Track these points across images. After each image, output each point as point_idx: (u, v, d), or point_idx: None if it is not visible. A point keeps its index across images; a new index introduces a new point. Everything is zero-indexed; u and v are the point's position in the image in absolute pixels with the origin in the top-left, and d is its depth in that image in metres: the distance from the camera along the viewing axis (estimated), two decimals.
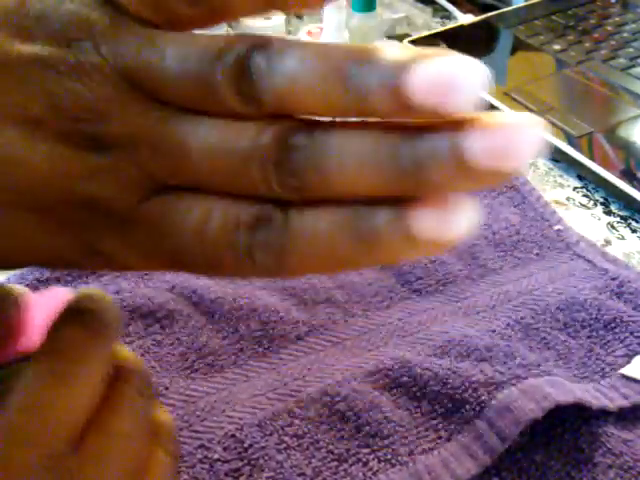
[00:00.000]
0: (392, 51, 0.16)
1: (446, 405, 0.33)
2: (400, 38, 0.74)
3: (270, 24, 0.73)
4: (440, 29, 0.75)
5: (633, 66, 0.64)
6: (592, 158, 0.51)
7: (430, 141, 0.16)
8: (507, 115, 0.16)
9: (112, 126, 0.18)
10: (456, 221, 0.17)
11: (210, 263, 0.19)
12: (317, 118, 0.18)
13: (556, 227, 0.45)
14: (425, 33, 0.74)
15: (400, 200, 0.17)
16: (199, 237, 0.18)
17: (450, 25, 0.76)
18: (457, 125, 0.16)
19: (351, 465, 0.30)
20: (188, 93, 0.18)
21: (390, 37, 0.77)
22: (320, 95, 0.17)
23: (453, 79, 0.15)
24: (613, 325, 0.37)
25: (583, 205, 0.51)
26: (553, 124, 0.56)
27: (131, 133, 0.18)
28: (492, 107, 0.61)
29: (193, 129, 0.18)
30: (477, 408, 0.32)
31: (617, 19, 0.74)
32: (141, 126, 0.18)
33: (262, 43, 0.17)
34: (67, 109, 0.18)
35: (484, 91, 0.15)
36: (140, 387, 0.23)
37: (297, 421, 0.32)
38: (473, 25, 0.75)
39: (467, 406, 0.32)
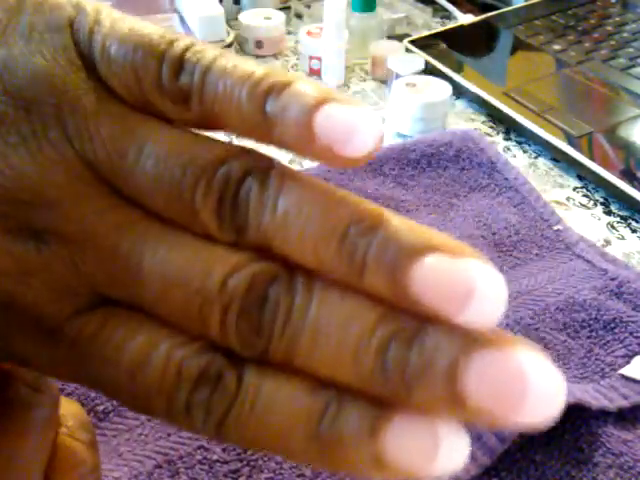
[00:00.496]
0: (402, 226, 0.14)
1: None
2: (400, 38, 0.74)
3: (270, 24, 0.73)
4: (440, 29, 0.75)
5: (633, 66, 0.64)
6: (592, 158, 0.51)
7: (425, 352, 0.13)
8: (526, 353, 0.13)
9: (57, 217, 0.15)
10: (440, 453, 0.14)
11: (139, 406, 0.16)
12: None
13: (556, 227, 0.45)
14: (425, 33, 0.74)
15: (377, 402, 0.14)
16: (131, 375, 0.15)
17: (450, 25, 0.76)
18: (462, 339, 0.13)
19: None
20: (160, 201, 0.15)
21: (390, 37, 0.77)
22: (310, 250, 0.14)
23: (468, 288, 0.13)
24: (612, 325, 0.37)
25: (583, 205, 0.51)
26: (553, 124, 0.56)
27: (77, 231, 0.15)
28: (492, 107, 0.61)
29: (152, 246, 0.15)
30: None
31: (617, 19, 0.74)
32: (92, 226, 0.15)
33: (260, 169, 0.15)
34: (6, 187, 0.15)
35: (498, 313, 0.13)
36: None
37: None
38: (473, 25, 0.75)
39: None
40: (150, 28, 0.16)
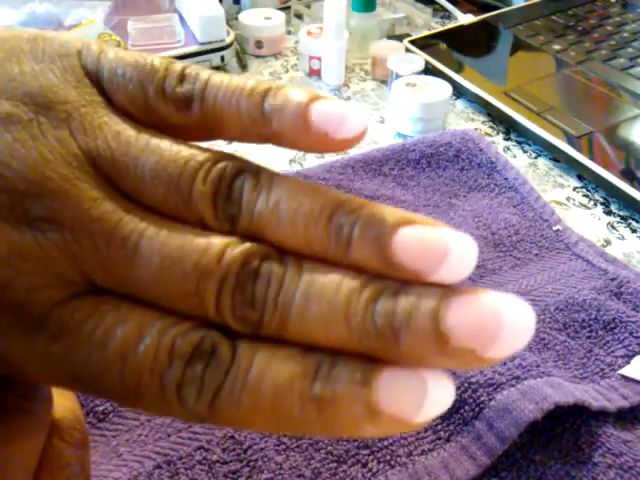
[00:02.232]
0: (382, 207, 0.16)
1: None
2: (400, 38, 0.74)
3: (270, 24, 0.73)
4: (440, 29, 0.75)
5: (633, 66, 0.64)
6: (592, 158, 0.51)
7: (409, 300, 0.15)
8: (498, 294, 0.15)
9: (56, 206, 0.16)
10: (429, 397, 0.15)
11: (127, 392, 0.16)
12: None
13: (555, 227, 0.45)
14: (425, 33, 0.74)
15: (368, 358, 0.15)
16: (122, 358, 0.15)
17: (450, 25, 0.76)
18: (440, 290, 0.15)
19: (350, 466, 0.30)
20: (159, 192, 0.16)
21: (390, 37, 0.77)
22: (301, 230, 0.16)
23: (440, 247, 0.15)
24: (612, 325, 0.37)
25: (583, 205, 0.51)
26: (553, 124, 0.56)
27: (75, 218, 0.16)
28: (492, 107, 0.61)
29: (151, 230, 0.16)
30: (476, 409, 0.32)
31: (617, 19, 0.74)
32: (89, 212, 0.16)
33: (251, 169, 0.17)
34: (10, 178, 0.16)
35: (469, 268, 0.15)
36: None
37: None
38: (473, 25, 0.75)
39: (466, 407, 0.32)
40: (150, 56, 0.18)
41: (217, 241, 0.16)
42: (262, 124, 0.17)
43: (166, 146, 0.17)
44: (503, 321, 0.14)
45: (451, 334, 0.14)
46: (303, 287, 0.15)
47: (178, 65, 0.18)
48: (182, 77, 0.18)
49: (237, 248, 0.16)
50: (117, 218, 0.16)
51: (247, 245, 0.16)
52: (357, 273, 0.16)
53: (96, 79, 0.18)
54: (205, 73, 0.18)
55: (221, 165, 0.17)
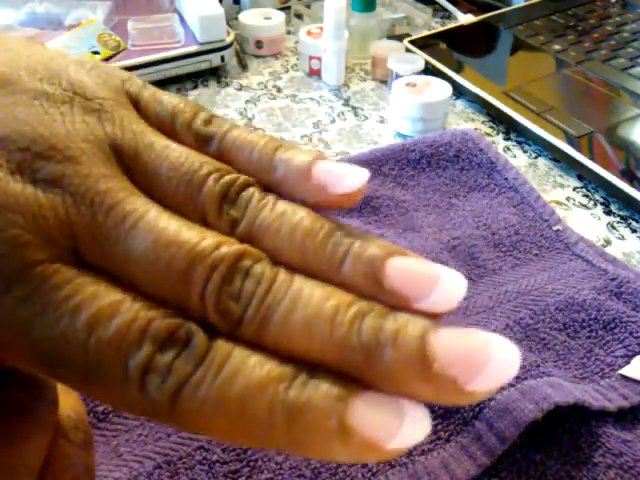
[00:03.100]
0: (377, 240, 0.17)
1: (445, 406, 0.33)
2: (400, 38, 0.74)
3: (270, 24, 0.73)
4: (440, 29, 0.75)
5: (633, 66, 0.64)
6: (592, 158, 0.51)
7: (398, 321, 0.15)
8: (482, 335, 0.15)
9: (68, 171, 0.16)
10: (404, 426, 0.14)
11: (86, 369, 0.15)
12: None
13: (555, 227, 0.45)
14: (425, 33, 0.74)
15: (348, 378, 0.15)
16: (89, 329, 0.15)
17: (450, 25, 0.76)
18: (432, 319, 0.15)
19: (350, 466, 0.30)
20: (172, 184, 0.17)
21: (390, 37, 0.77)
22: (299, 241, 0.17)
23: (431, 276, 0.16)
24: (612, 325, 0.37)
25: (583, 205, 0.51)
26: (553, 124, 0.56)
27: (81, 185, 0.16)
28: (492, 107, 0.61)
29: (153, 212, 0.16)
30: (476, 409, 0.32)
31: (617, 19, 0.74)
32: (97, 185, 0.16)
33: (259, 186, 0.18)
34: (35, 140, 0.16)
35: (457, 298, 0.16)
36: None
37: None
38: (473, 25, 0.75)
39: (466, 407, 0.32)
40: (185, 100, 0.20)
41: (215, 234, 0.16)
42: (268, 170, 0.19)
43: (187, 150, 0.18)
44: (491, 355, 0.14)
45: (436, 358, 0.14)
46: (292, 292, 0.16)
47: (207, 111, 0.20)
48: (209, 121, 0.20)
49: (234, 245, 0.16)
50: (122, 196, 0.16)
51: (243, 245, 0.16)
52: (347, 292, 0.16)
53: (134, 102, 0.19)
54: (229, 123, 0.20)
55: (234, 174, 0.18)
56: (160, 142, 0.18)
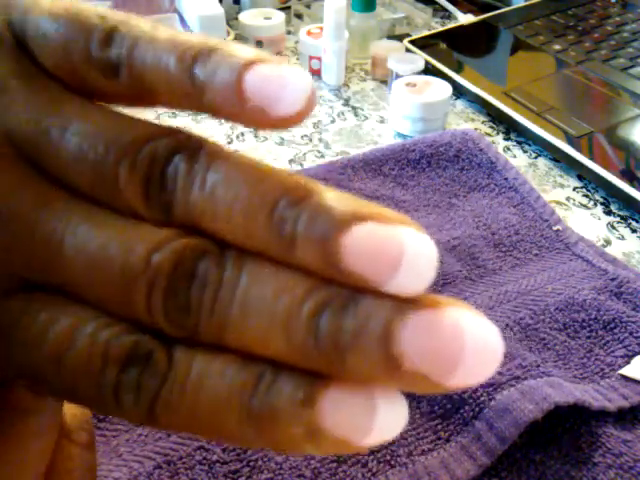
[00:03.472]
0: (331, 197, 0.14)
1: (445, 406, 0.33)
2: (400, 38, 0.74)
3: (270, 24, 0.73)
4: (440, 29, 0.75)
5: (633, 66, 0.64)
6: (592, 158, 0.51)
7: (357, 317, 0.13)
8: (461, 312, 0.13)
9: None
10: (377, 421, 0.13)
11: (68, 394, 0.15)
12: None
13: (555, 227, 0.45)
14: (425, 33, 0.74)
15: (312, 373, 0.14)
16: (55, 359, 0.14)
17: (450, 25, 0.76)
18: (395, 304, 0.13)
19: (350, 466, 0.30)
20: (84, 180, 0.15)
21: (390, 37, 0.77)
22: (239, 224, 0.14)
23: (393, 252, 0.13)
24: (612, 325, 0.37)
25: (583, 205, 0.51)
26: (553, 124, 0.56)
27: None
28: (492, 107, 0.61)
29: (74, 225, 0.14)
30: (476, 409, 0.32)
31: (617, 19, 0.74)
32: (10, 205, 0.15)
33: (188, 147, 0.15)
34: None
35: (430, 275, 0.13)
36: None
37: None
38: (473, 25, 0.75)
39: (466, 407, 0.32)
40: (87, 6, 0.16)
41: (146, 237, 0.14)
42: (193, 95, 0.15)
43: (89, 125, 0.15)
44: (466, 347, 0.13)
45: (404, 359, 0.13)
46: (241, 294, 0.14)
47: (112, 19, 0.15)
48: (110, 36, 0.15)
49: (169, 245, 0.14)
50: (37, 215, 0.15)
51: (181, 241, 0.14)
52: (304, 276, 0.14)
53: (22, 40, 0.16)
54: (139, 29, 0.15)
55: (150, 147, 0.14)
56: (57, 124, 0.15)
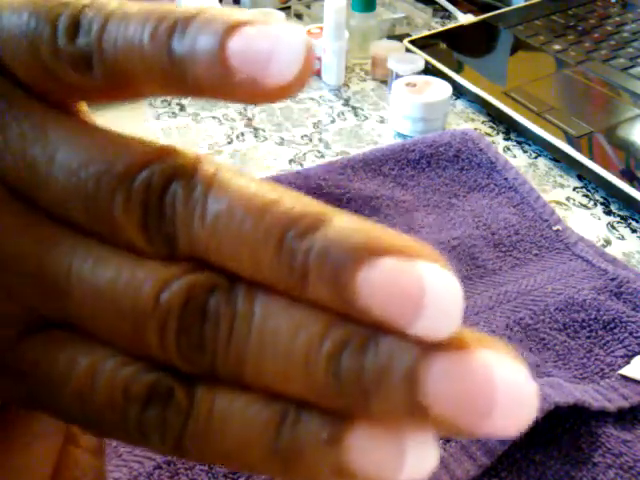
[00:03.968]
0: (343, 225, 0.12)
1: None
2: (400, 38, 0.74)
3: None
4: (440, 29, 0.75)
5: (633, 66, 0.64)
6: (592, 158, 0.51)
7: (379, 358, 0.12)
8: (493, 355, 0.12)
9: None
10: (407, 462, 0.13)
11: (98, 430, 0.15)
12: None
13: (555, 227, 0.45)
14: (425, 33, 0.74)
15: (337, 412, 0.13)
16: (80, 401, 0.14)
17: (450, 25, 0.76)
18: (419, 344, 0.12)
19: None
20: (79, 216, 0.14)
21: (390, 37, 0.77)
22: (247, 257, 0.13)
23: (415, 293, 0.12)
24: (612, 325, 0.37)
25: (583, 205, 0.51)
26: (553, 124, 0.56)
27: (1, 259, 0.14)
28: (492, 107, 0.61)
29: (78, 262, 0.14)
30: None
31: (617, 19, 0.74)
32: (13, 248, 0.14)
33: (184, 170, 0.13)
34: None
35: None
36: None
37: None
38: (473, 25, 0.75)
39: None
40: None
41: (153, 274, 0.13)
42: (175, 75, 0.13)
43: (77, 156, 0.13)
44: (498, 394, 0.11)
45: (431, 405, 0.12)
46: (256, 329, 0.13)
47: (75, 6, 0.14)
48: (76, 26, 0.13)
49: (177, 283, 0.13)
50: (42, 251, 0.14)
51: (189, 278, 0.13)
52: (320, 311, 0.13)
53: None
54: (104, 11, 0.13)
55: (144, 175, 0.13)
56: (43, 157, 0.14)
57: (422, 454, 0.13)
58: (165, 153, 0.14)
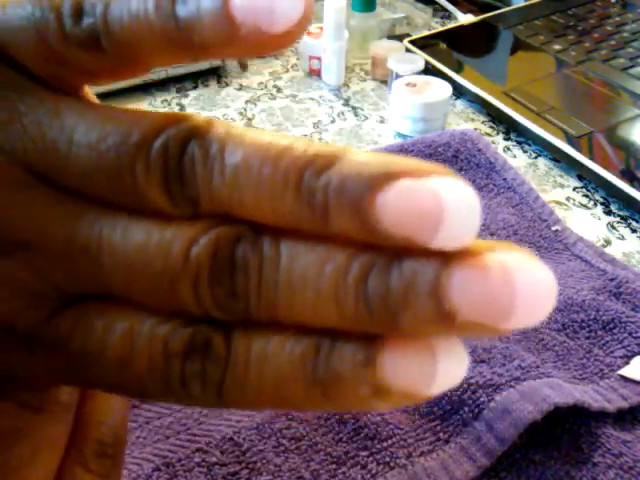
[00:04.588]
0: (358, 159, 0.13)
1: (445, 407, 0.33)
2: (400, 38, 0.74)
3: None
4: (440, 29, 0.75)
5: (633, 66, 0.63)
6: (592, 158, 0.51)
7: (404, 276, 0.13)
8: (509, 255, 0.13)
9: (6, 229, 0.15)
10: (440, 369, 0.13)
11: (138, 393, 0.15)
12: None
13: (554, 228, 0.45)
14: (425, 33, 0.74)
15: (368, 336, 0.14)
16: (120, 366, 0.15)
17: (450, 25, 0.76)
18: (440, 259, 0.13)
19: (350, 468, 0.30)
20: (103, 189, 0.14)
21: (390, 37, 0.77)
22: (268, 205, 0.14)
23: (432, 209, 0.12)
24: (612, 326, 0.37)
25: (583, 205, 0.51)
26: (553, 124, 0.56)
27: (30, 236, 0.15)
28: (492, 107, 0.61)
29: (107, 233, 0.14)
30: (476, 410, 0.32)
31: (617, 19, 0.74)
32: (42, 227, 0.15)
33: (198, 131, 0.14)
34: None
35: (474, 228, 0.13)
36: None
37: (295, 424, 0.32)
38: (473, 25, 0.75)
39: (466, 408, 0.32)
40: None
41: (180, 233, 0.14)
42: (182, 40, 0.14)
43: (94, 132, 0.14)
44: (517, 292, 0.12)
45: (457, 311, 0.12)
46: (284, 272, 0.14)
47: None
48: (80, 8, 0.14)
49: (204, 238, 0.14)
50: (70, 226, 0.15)
51: (215, 232, 0.14)
52: (343, 246, 0.13)
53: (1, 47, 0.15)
54: None
55: (161, 140, 0.14)
56: (62, 138, 0.14)
57: (452, 362, 0.14)
58: (178, 118, 0.14)
